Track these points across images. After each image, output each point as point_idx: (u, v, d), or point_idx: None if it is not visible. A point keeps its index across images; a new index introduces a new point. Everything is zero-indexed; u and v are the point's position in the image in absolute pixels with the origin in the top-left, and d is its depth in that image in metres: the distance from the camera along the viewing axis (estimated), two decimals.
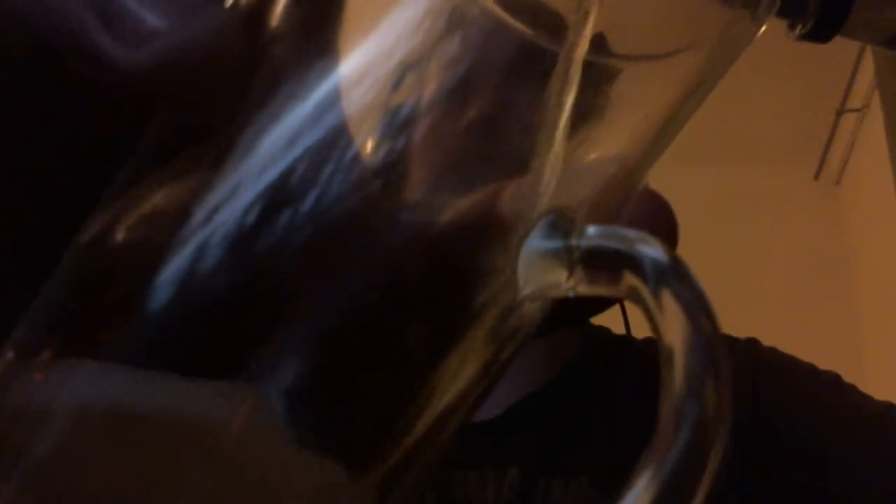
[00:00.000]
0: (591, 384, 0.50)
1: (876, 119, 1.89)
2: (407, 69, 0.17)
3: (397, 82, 0.17)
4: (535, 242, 0.17)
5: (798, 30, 0.25)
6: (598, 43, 0.18)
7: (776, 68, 1.63)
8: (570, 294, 0.17)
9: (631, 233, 0.16)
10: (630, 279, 0.16)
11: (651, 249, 0.16)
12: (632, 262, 0.16)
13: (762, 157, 2.19)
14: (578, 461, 0.46)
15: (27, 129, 0.16)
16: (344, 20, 0.17)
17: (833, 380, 0.48)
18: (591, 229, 0.17)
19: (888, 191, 1.59)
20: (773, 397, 0.46)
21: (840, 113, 2.12)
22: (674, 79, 0.19)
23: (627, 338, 0.53)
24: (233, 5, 0.16)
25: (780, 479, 0.43)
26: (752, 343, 0.50)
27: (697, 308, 0.15)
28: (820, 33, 0.24)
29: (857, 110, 2.05)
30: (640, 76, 0.19)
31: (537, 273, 0.17)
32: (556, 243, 0.17)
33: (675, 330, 0.15)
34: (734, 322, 0.48)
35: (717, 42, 0.19)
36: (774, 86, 1.94)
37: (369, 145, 0.17)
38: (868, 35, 0.27)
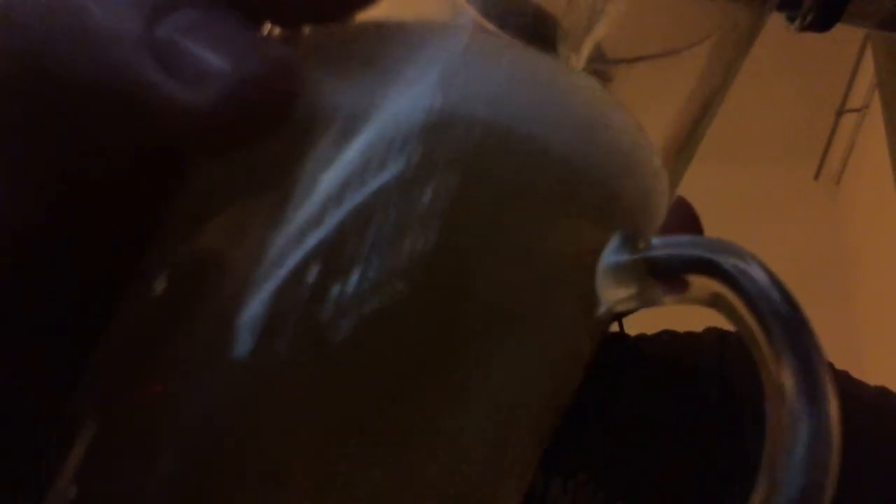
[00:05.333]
0: (587, 382, 0.50)
1: (876, 119, 1.89)
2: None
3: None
4: (608, 258, 0.17)
5: (798, 22, 0.25)
6: (596, 52, 0.18)
7: (776, 68, 1.63)
8: (641, 306, 0.17)
9: (700, 239, 0.16)
10: (710, 285, 0.16)
11: (730, 255, 0.16)
12: (711, 267, 0.16)
13: (762, 157, 2.19)
14: (576, 459, 0.46)
15: (82, 171, 0.16)
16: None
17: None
18: (657, 240, 0.17)
19: (888, 191, 1.59)
20: None
21: (840, 113, 2.12)
22: (682, 76, 0.19)
23: (621, 335, 0.53)
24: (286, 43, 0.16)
25: None
26: None
27: (791, 314, 0.15)
28: (821, 23, 0.24)
29: (857, 110, 2.05)
30: (644, 76, 0.19)
31: (611, 289, 0.17)
32: (625, 257, 0.17)
33: (778, 344, 0.15)
34: None
35: (720, 38, 0.19)
36: (774, 86, 1.93)
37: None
38: (862, 20, 0.27)
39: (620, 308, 0.18)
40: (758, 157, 2.19)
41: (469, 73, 0.16)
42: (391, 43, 0.16)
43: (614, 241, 0.17)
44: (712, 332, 0.49)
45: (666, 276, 0.17)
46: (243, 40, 0.14)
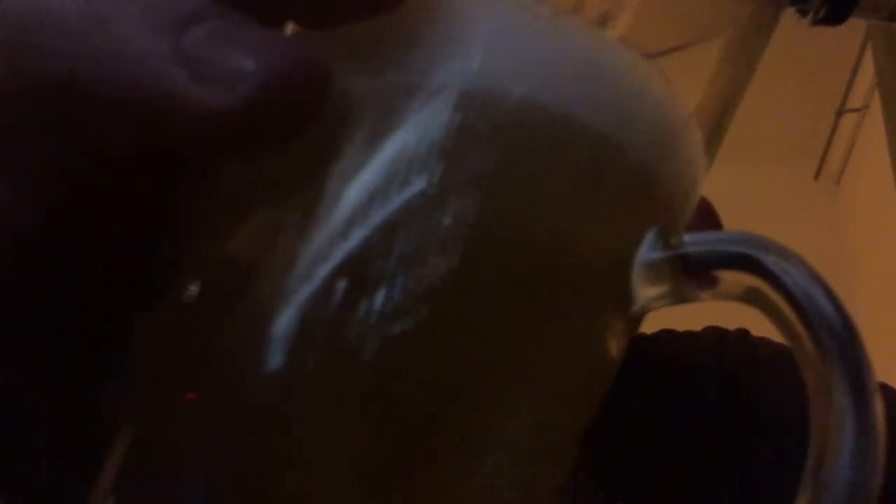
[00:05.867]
0: None
1: (876, 119, 1.89)
2: None
3: None
4: (643, 256, 0.17)
5: (811, 16, 0.25)
6: None
7: (776, 68, 1.63)
8: (674, 303, 0.17)
9: (734, 235, 0.16)
10: (745, 280, 0.16)
11: (770, 252, 0.16)
12: (750, 264, 0.16)
13: (762, 157, 2.19)
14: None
15: (112, 182, 0.16)
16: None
17: None
18: (689, 237, 0.17)
19: (888, 191, 1.59)
20: (771, 386, 0.46)
21: (840, 113, 2.12)
22: (698, 72, 0.19)
23: None
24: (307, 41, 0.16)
25: (780, 467, 0.43)
26: (744, 334, 0.50)
27: (836, 314, 0.15)
28: (834, 16, 0.24)
29: (857, 110, 2.05)
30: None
31: (645, 287, 0.17)
32: (659, 254, 0.17)
33: (825, 346, 0.15)
34: (734, 322, 0.48)
35: (735, 33, 0.19)
36: (774, 86, 1.93)
37: None
38: (871, 13, 0.27)
39: (654, 306, 0.17)
40: (758, 157, 2.19)
41: (501, 51, 0.16)
42: (417, 41, 0.16)
43: (648, 238, 0.17)
44: (712, 332, 0.49)
45: (698, 272, 0.17)
46: (270, 42, 0.14)
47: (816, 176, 2.30)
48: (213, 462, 0.15)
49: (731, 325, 0.49)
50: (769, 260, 0.16)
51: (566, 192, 0.16)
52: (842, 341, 0.15)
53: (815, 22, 0.25)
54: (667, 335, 0.51)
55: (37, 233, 0.16)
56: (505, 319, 0.16)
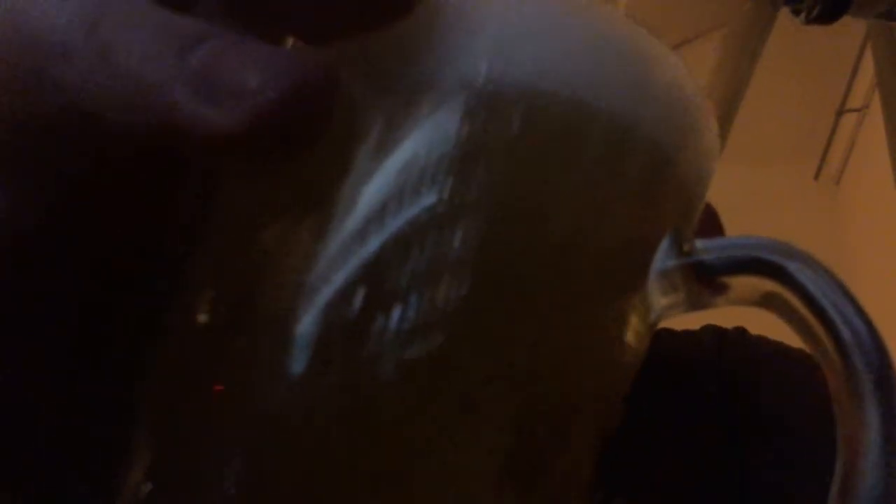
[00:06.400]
0: None
1: (876, 119, 1.89)
2: None
3: None
4: (657, 265, 0.17)
5: (804, 14, 0.25)
6: None
7: (776, 68, 1.63)
8: (689, 311, 0.17)
9: (749, 241, 0.16)
10: (761, 285, 0.16)
11: (787, 256, 0.16)
12: (767, 269, 0.16)
13: (762, 157, 2.19)
14: None
15: (124, 204, 0.16)
16: None
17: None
18: (701, 243, 0.17)
19: (888, 191, 1.59)
20: (771, 386, 0.46)
21: (840, 113, 2.12)
22: (695, 68, 0.19)
23: None
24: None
25: (780, 467, 0.44)
26: (742, 332, 0.50)
27: (859, 318, 0.15)
28: (827, 15, 0.24)
29: (857, 110, 2.05)
30: None
31: (660, 296, 0.17)
32: (673, 261, 0.17)
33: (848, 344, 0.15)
34: (734, 322, 0.48)
35: (731, 30, 0.19)
36: (774, 86, 1.93)
37: None
38: (867, 11, 0.27)
39: (669, 314, 0.17)
40: (758, 157, 2.19)
41: (513, 41, 0.16)
42: (419, 52, 0.16)
43: (662, 247, 0.17)
44: (710, 331, 0.49)
45: (712, 278, 0.17)
46: (274, 57, 0.14)
47: (816, 176, 2.30)
48: (244, 451, 0.15)
49: (729, 324, 0.49)
50: (793, 267, 0.16)
51: (585, 184, 0.16)
52: (868, 350, 0.15)
53: (809, 21, 0.25)
54: (665, 334, 0.51)
55: (37, 233, 0.16)
56: (529, 320, 0.16)
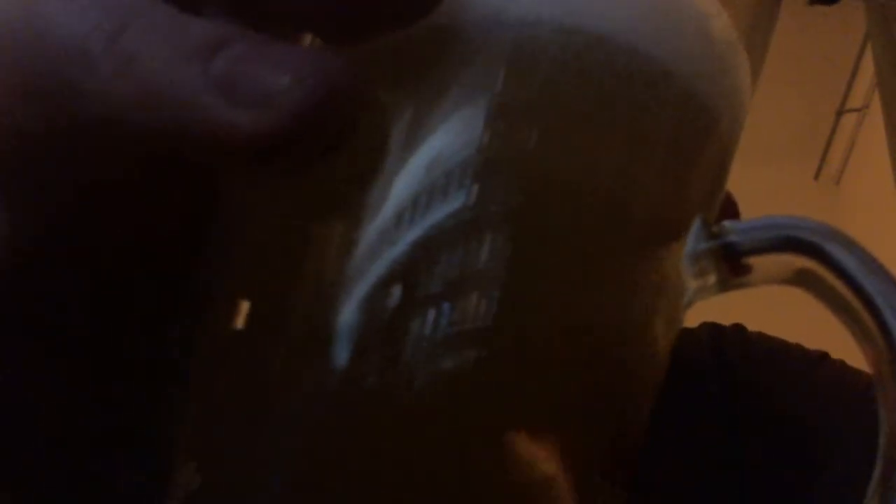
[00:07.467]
0: None
1: (876, 119, 1.89)
2: None
3: None
4: (688, 248, 0.17)
5: None
6: None
7: (776, 68, 1.63)
8: (720, 292, 0.17)
9: (779, 220, 0.16)
10: (794, 262, 0.16)
11: (816, 233, 0.16)
12: (802, 246, 0.16)
13: (762, 157, 2.19)
14: None
15: (130, 208, 0.16)
16: None
17: (821, 357, 0.48)
18: (729, 224, 0.17)
19: (888, 191, 1.59)
20: (771, 384, 0.46)
21: (840, 113, 2.12)
22: None
23: None
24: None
25: (779, 465, 0.44)
26: (741, 330, 0.50)
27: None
28: None
29: (857, 110, 2.05)
30: None
31: (691, 279, 0.17)
32: (703, 244, 0.17)
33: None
34: (732, 319, 0.48)
35: (738, 19, 0.19)
36: (774, 86, 1.93)
37: None
38: None
39: (701, 297, 0.17)
40: (758, 157, 2.19)
41: None
42: (444, 50, 0.16)
43: (693, 230, 0.17)
44: (709, 328, 0.49)
45: (740, 259, 0.17)
46: (301, 57, 0.14)
47: (816, 176, 2.30)
48: (282, 459, 0.15)
49: (727, 322, 0.49)
50: (831, 246, 0.16)
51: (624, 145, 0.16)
52: None
53: (813, 1, 0.25)
54: None
55: (44, 238, 0.16)
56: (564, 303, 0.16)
